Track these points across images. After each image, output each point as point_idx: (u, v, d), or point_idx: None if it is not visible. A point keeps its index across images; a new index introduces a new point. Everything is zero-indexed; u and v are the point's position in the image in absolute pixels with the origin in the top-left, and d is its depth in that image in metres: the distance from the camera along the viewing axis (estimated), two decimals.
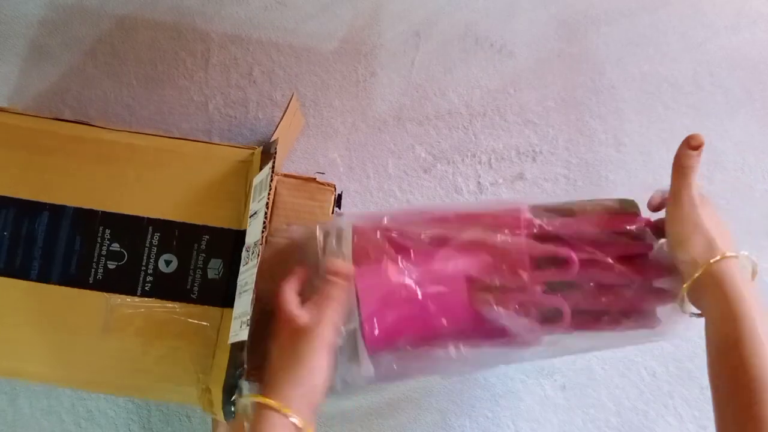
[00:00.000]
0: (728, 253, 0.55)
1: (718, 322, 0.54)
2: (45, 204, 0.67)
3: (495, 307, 0.62)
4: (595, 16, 0.87)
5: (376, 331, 0.61)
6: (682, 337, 0.81)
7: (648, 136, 0.85)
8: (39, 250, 0.67)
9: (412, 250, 0.64)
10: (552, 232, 0.64)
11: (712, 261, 0.55)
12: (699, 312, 0.58)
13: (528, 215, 0.65)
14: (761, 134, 0.85)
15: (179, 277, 0.67)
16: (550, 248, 0.63)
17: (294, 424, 0.52)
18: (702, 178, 0.84)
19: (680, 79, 0.86)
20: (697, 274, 0.55)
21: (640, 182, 0.84)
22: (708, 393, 0.80)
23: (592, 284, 0.63)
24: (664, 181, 0.83)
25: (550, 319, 0.63)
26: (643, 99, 0.86)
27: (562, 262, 0.63)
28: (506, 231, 0.64)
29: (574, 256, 0.63)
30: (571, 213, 0.66)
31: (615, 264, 0.62)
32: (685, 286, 0.57)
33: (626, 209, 0.66)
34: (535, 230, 0.64)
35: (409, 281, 0.62)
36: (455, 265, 0.64)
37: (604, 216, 0.65)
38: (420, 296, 0.62)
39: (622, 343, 0.66)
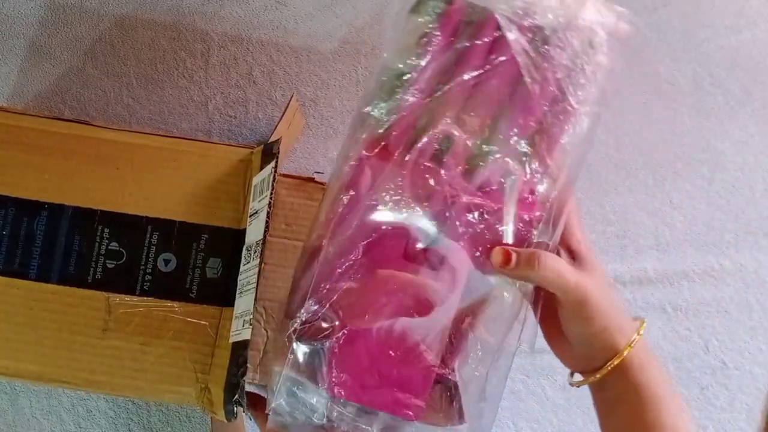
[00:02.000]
0: (635, 336, 0.50)
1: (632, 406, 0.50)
2: (44, 203, 0.67)
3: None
4: None
5: (410, 400, 0.49)
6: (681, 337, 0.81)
7: (648, 136, 0.85)
8: (38, 249, 0.67)
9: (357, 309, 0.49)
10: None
11: (629, 345, 0.50)
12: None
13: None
14: (761, 134, 0.85)
15: (178, 276, 0.67)
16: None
17: None
18: (703, 179, 0.84)
19: (680, 79, 0.86)
20: (614, 363, 0.50)
21: (640, 182, 0.84)
22: (708, 393, 0.80)
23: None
24: (664, 181, 0.84)
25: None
26: (644, 99, 0.86)
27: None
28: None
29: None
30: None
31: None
32: (603, 372, 0.50)
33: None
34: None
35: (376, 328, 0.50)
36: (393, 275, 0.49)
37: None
38: (395, 316, 0.49)
39: None
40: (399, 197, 0.48)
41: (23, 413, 0.77)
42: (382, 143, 0.48)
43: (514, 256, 0.47)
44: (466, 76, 0.48)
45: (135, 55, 0.83)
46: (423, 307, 0.49)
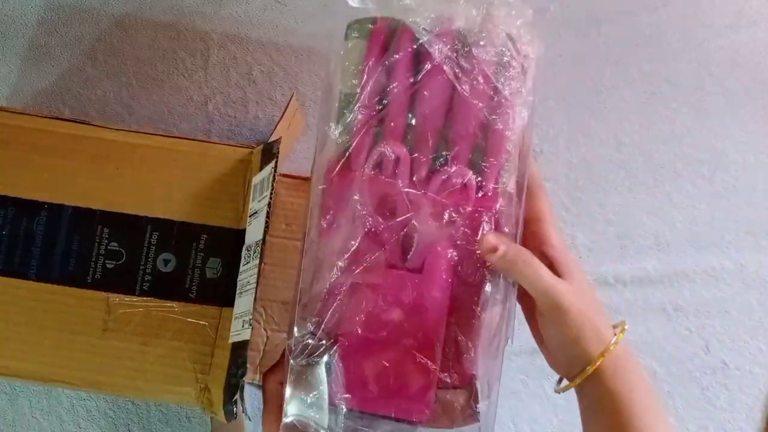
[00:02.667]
0: (612, 341, 0.49)
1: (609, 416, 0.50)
2: (43, 203, 0.67)
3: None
4: (596, 16, 0.87)
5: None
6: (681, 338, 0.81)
7: (648, 136, 0.85)
8: (37, 249, 0.67)
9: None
10: None
11: (601, 355, 0.49)
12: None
13: None
14: (761, 134, 0.85)
15: (178, 276, 0.67)
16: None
17: None
18: (703, 179, 0.84)
19: (681, 78, 0.86)
20: (588, 371, 0.49)
21: (640, 182, 0.84)
22: (708, 393, 0.80)
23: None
24: (664, 181, 0.84)
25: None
26: (644, 99, 0.85)
27: None
28: None
29: None
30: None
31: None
32: (576, 381, 0.50)
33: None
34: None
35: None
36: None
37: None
38: (387, 325, 0.51)
39: None
40: (365, 212, 0.50)
41: (23, 413, 0.77)
42: (344, 162, 0.50)
43: (502, 248, 0.48)
44: (397, 90, 0.50)
45: (135, 54, 0.83)
46: (412, 312, 0.50)
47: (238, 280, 0.65)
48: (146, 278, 0.67)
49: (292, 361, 0.49)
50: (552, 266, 0.50)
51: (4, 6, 0.83)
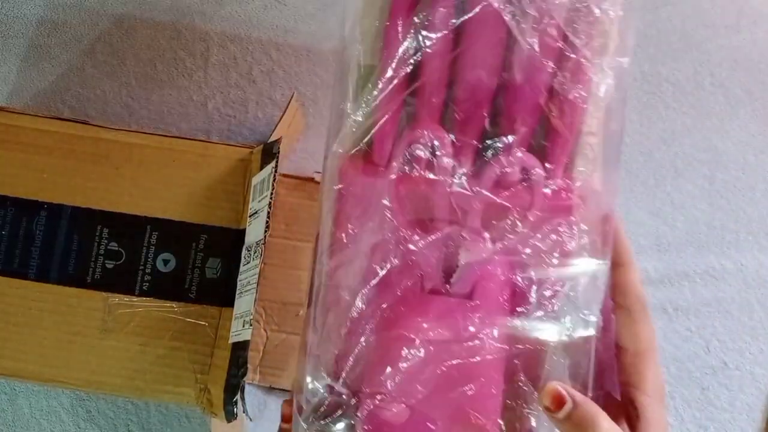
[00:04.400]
0: None
1: None
2: (43, 203, 0.67)
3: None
4: None
5: None
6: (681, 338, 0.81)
7: (649, 135, 0.84)
8: (37, 249, 0.67)
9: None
10: None
11: None
12: None
13: None
14: (762, 134, 0.85)
15: (177, 276, 0.67)
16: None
17: None
18: (703, 179, 0.84)
19: (681, 78, 0.86)
20: None
21: (641, 182, 0.83)
22: (709, 393, 0.80)
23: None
24: (665, 181, 0.84)
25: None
26: (644, 98, 0.85)
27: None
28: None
29: None
30: None
31: None
32: None
33: None
34: None
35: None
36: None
37: None
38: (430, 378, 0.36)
39: None
40: (397, 223, 0.37)
41: (23, 413, 0.76)
42: (364, 153, 0.38)
43: (568, 404, 0.35)
44: (434, 51, 0.35)
45: (134, 54, 0.83)
46: (465, 353, 0.36)
47: (238, 280, 0.65)
48: (146, 278, 0.67)
49: (303, 424, 0.37)
50: (632, 420, 0.38)
51: (4, 6, 0.83)
